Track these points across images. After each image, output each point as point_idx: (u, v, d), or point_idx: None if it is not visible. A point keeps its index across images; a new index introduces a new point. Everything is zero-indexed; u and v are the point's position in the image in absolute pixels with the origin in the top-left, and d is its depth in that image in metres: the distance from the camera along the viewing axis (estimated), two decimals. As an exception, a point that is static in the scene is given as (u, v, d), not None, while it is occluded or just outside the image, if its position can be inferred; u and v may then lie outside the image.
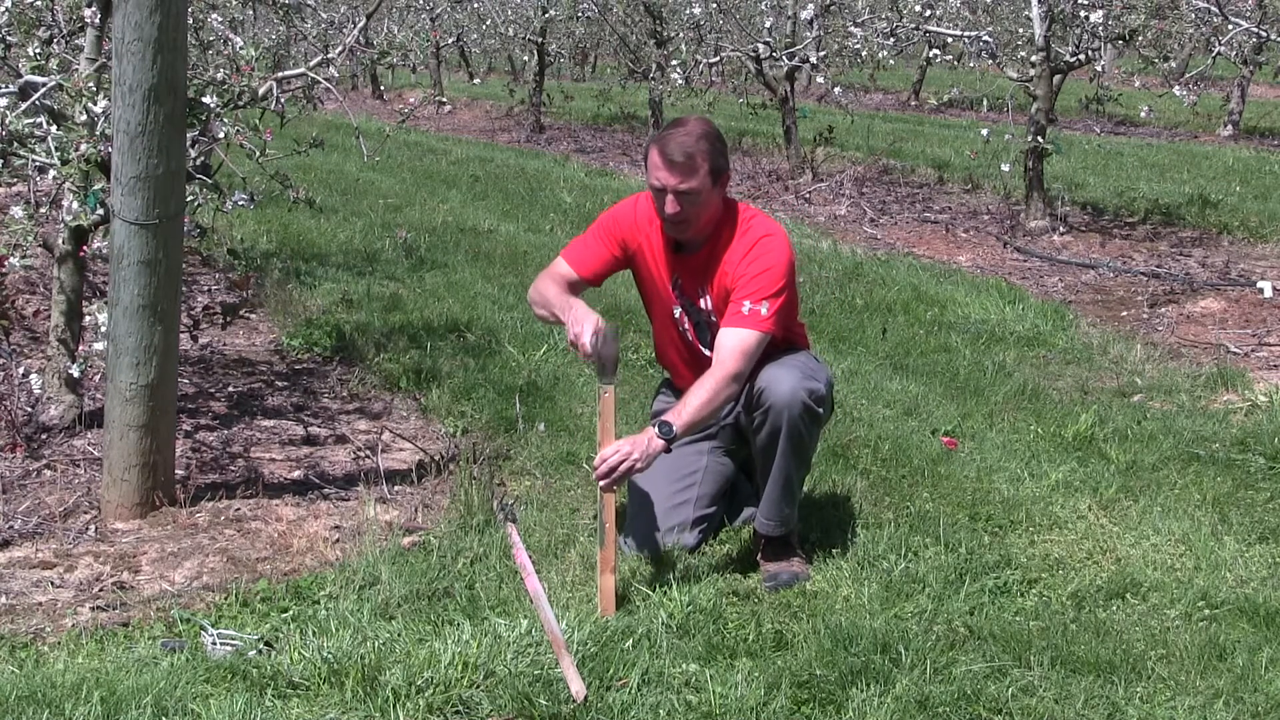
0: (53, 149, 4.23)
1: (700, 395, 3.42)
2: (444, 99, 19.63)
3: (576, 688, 2.82)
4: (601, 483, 3.32)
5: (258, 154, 4.63)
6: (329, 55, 4.94)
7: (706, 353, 3.66)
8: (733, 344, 3.46)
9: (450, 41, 22.76)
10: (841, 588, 3.44)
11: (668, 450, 3.41)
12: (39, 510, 3.95)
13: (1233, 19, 9.55)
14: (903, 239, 9.22)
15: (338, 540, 3.83)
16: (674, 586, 3.36)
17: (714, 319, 3.61)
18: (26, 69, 4.38)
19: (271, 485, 4.26)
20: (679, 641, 3.11)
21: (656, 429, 3.37)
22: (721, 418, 3.73)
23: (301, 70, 4.86)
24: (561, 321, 3.57)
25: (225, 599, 3.40)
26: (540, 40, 17.10)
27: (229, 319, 5.31)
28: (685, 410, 3.41)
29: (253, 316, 6.48)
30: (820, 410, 3.53)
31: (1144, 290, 7.49)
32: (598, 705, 2.81)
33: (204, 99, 4.26)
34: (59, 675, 2.91)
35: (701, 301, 3.63)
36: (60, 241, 4.55)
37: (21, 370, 4.64)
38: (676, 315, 3.73)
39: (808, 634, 3.15)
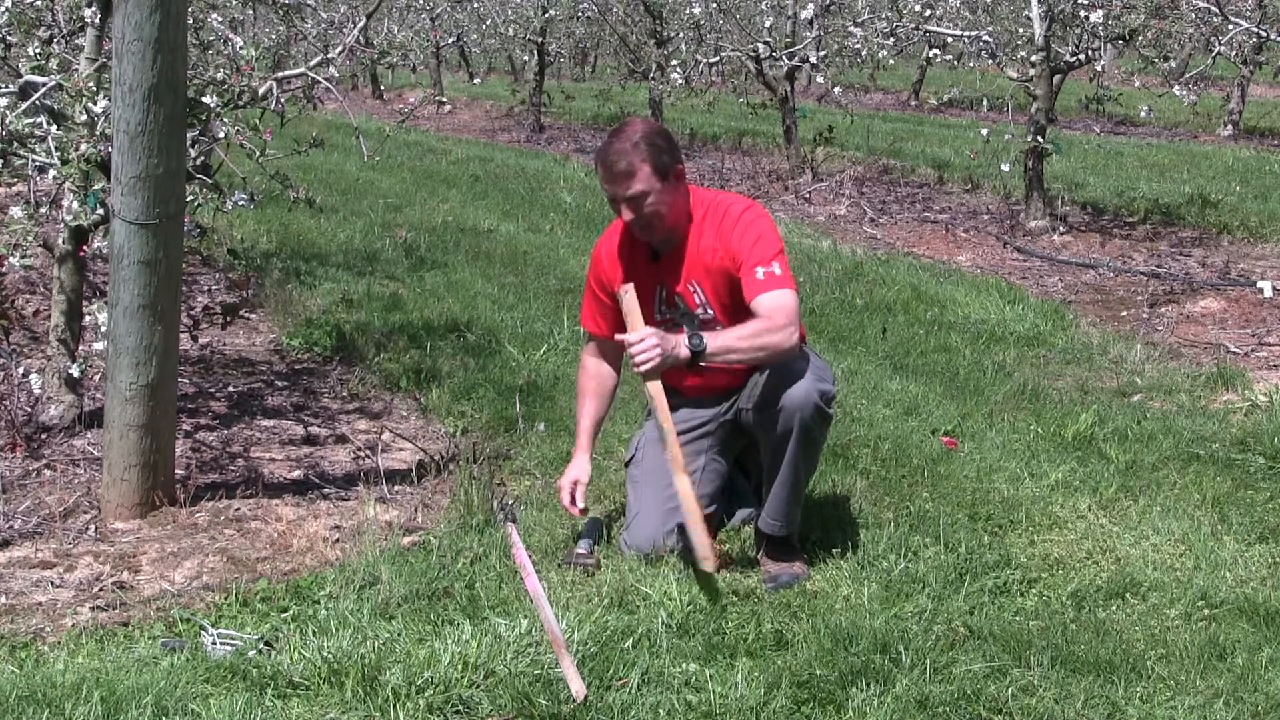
0: (53, 149, 4.23)
1: (745, 332, 3.38)
2: (444, 99, 19.62)
3: (576, 687, 2.82)
4: (637, 358, 3.31)
5: (258, 154, 4.63)
6: (329, 55, 4.94)
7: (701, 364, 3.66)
8: (774, 302, 3.41)
9: (450, 41, 22.77)
10: (841, 588, 3.44)
11: (692, 363, 3.37)
12: (39, 510, 3.95)
13: (1233, 19, 9.55)
14: (903, 239, 9.22)
15: (338, 540, 3.83)
16: (674, 586, 3.36)
17: (709, 313, 3.60)
18: (26, 69, 4.38)
19: (271, 485, 4.26)
20: (679, 641, 3.11)
21: (687, 339, 3.35)
22: (721, 413, 3.73)
23: (301, 70, 4.86)
24: None
25: (225, 599, 3.40)
26: (540, 40, 17.11)
27: (229, 319, 5.32)
28: (724, 336, 3.38)
29: (253, 316, 6.48)
30: (831, 412, 3.53)
31: (1144, 290, 7.49)
32: (598, 705, 2.81)
33: (204, 99, 4.26)
34: (59, 675, 2.91)
35: (694, 297, 3.61)
36: (60, 241, 4.55)
37: (21, 370, 4.64)
38: None
39: (808, 634, 3.15)
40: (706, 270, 3.56)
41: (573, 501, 3.75)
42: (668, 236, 3.58)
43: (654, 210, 3.48)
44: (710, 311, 3.59)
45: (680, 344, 3.35)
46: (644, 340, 3.32)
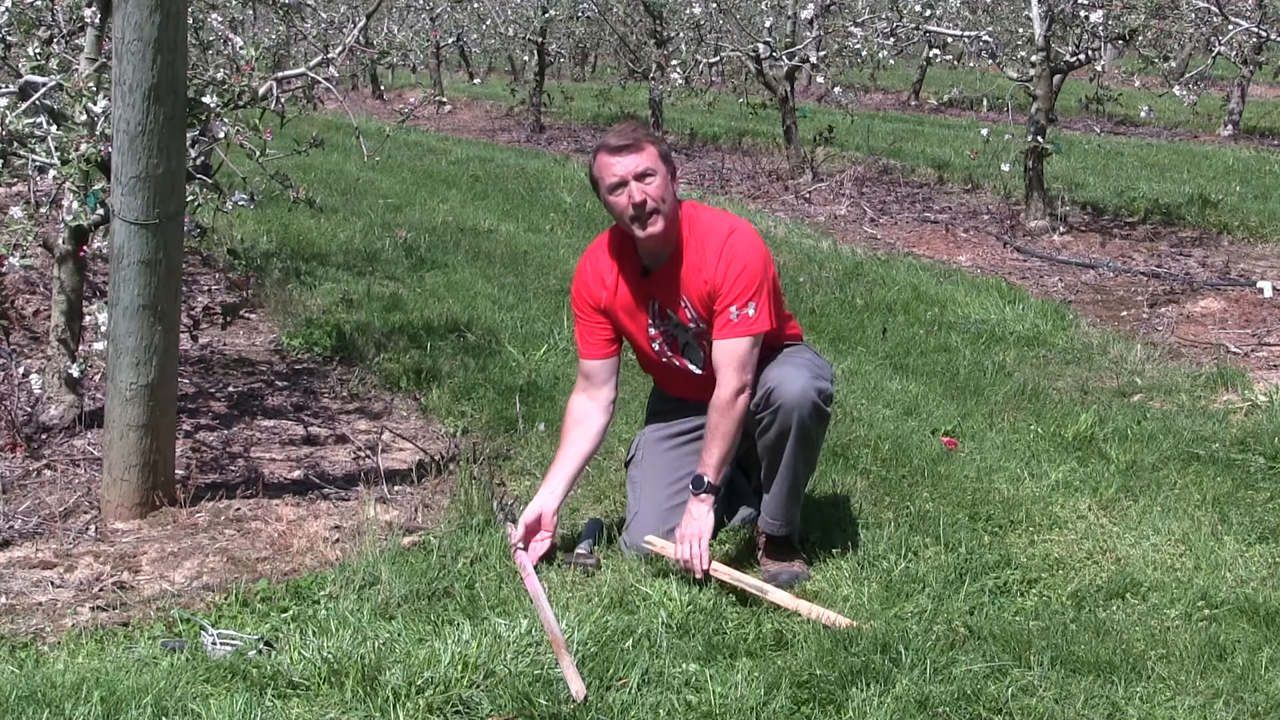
0: (53, 149, 4.23)
1: (718, 433, 3.47)
2: (444, 99, 19.61)
3: (576, 687, 2.82)
4: (705, 571, 3.40)
5: (258, 154, 4.63)
6: (329, 55, 4.94)
7: (696, 370, 3.67)
8: (727, 357, 3.47)
9: (450, 41, 22.77)
10: (841, 588, 3.44)
11: (719, 494, 3.50)
12: (39, 510, 3.95)
13: (1233, 19, 9.56)
14: (903, 239, 9.22)
15: (338, 540, 3.83)
16: (674, 586, 3.36)
17: (701, 326, 3.59)
18: (26, 69, 4.38)
19: (271, 485, 4.26)
20: (679, 641, 3.11)
21: (692, 488, 3.47)
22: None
23: (301, 70, 4.86)
24: None
25: (225, 599, 3.40)
26: (540, 40, 17.11)
27: (229, 319, 5.31)
28: (711, 457, 3.48)
29: (253, 316, 6.49)
30: (828, 410, 3.54)
31: (1144, 290, 7.49)
32: (598, 705, 2.81)
33: (204, 99, 4.26)
34: (59, 675, 2.91)
35: (685, 312, 3.59)
36: (60, 241, 4.55)
37: (21, 370, 4.64)
38: (656, 349, 3.71)
39: (808, 634, 3.15)
40: (694, 290, 3.55)
41: (525, 548, 3.60)
42: (660, 246, 3.54)
43: (659, 195, 3.45)
44: (702, 325, 3.58)
45: (704, 514, 3.45)
46: (684, 549, 3.40)
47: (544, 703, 2.79)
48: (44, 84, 4.28)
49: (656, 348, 3.70)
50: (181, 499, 4.03)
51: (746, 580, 3.36)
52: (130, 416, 3.88)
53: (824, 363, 3.69)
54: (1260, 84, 21.11)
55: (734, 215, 3.68)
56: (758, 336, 3.48)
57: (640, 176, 3.44)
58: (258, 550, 3.77)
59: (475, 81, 24.24)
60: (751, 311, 3.46)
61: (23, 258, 4.29)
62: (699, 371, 3.65)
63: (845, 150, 13.00)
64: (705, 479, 3.46)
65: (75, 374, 4.54)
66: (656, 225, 3.47)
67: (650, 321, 3.66)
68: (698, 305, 3.56)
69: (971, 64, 14.04)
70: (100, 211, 4.34)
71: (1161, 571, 3.56)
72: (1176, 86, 9.27)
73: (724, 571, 3.40)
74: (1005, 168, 9.60)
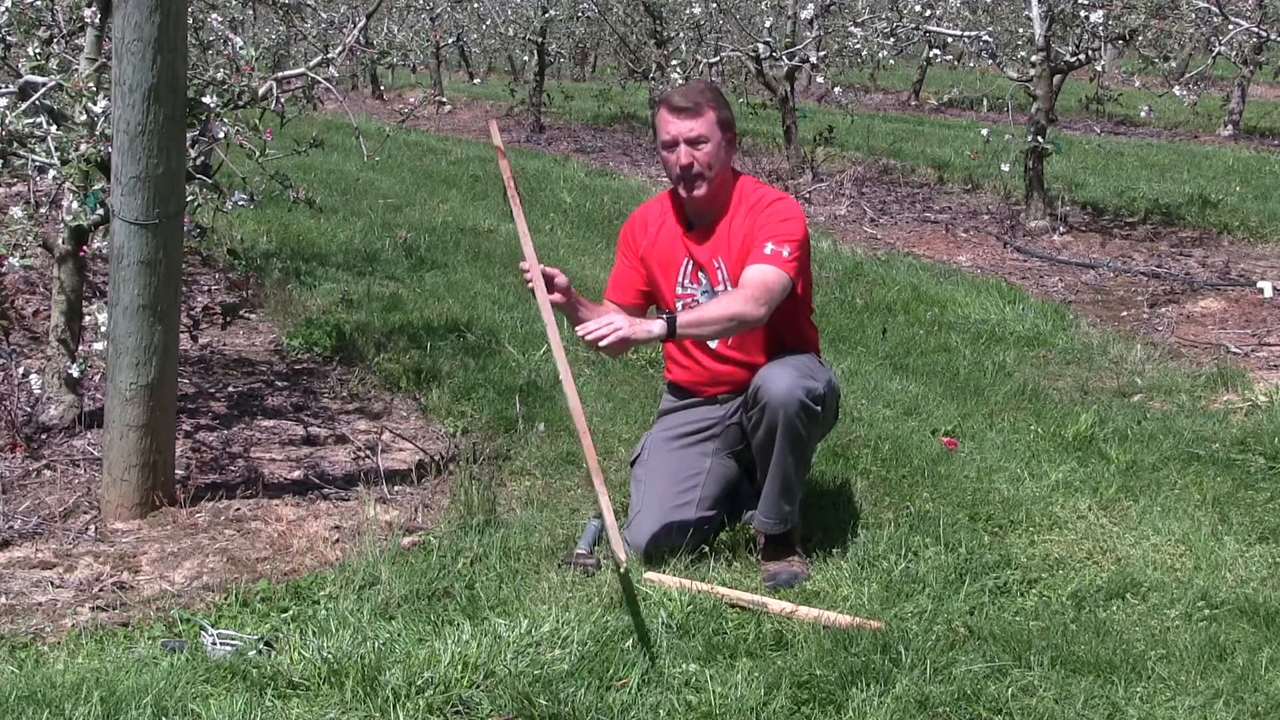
0: (53, 149, 4.23)
1: (716, 303, 3.46)
2: (444, 99, 19.60)
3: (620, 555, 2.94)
4: (588, 338, 3.36)
5: (258, 154, 4.63)
6: (329, 55, 4.94)
7: (708, 346, 3.69)
8: (754, 275, 3.48)
9: (450, 41, 22.76)
10: (841, 588, 3.44)
11: (669, 337, 3.39)
12: (39, 510, 3.95)
13: (1233, 19, 9.56)
14: (903, 239, 9.22)
15: (338, 540, 3.83)
16: (674, 586, 3.36)
17: (729, 290, 3.62)
18: (26, 69, 4.38)
19: (271, 485, 4.26)
20: (679, 641, 3.11)
21: (662, 314, 3.45)
22: (728, 415, 3.73)
23: (301, 70, 4.86)
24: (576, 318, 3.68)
25: (225, 599, 3.40)
26: (540, 40, 17.11)
27: (229, 319, 5.31)
28: (694, 311, 3.45)
29: (253, 316, 6.48)
30: (818, 409, 3.51)
31: (1144, 290, 7.49)
32: (598, 705, 2.81)
33: (204, 99, 4.26)
34: (59, 675, 2.91)
35: (718, 273, 3.64)
36: (60, 241, 4.55)
37: (21, 370, 4.64)
38: (680, 309, 3.72)
39: (808, 634, 3.15)
40: (733, 249, 3.61)
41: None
42: (706, 207, 3.63)
43: (707, 161, 3.54)
44: (729, 289, 3.61)
45: (644, 325, 3.37)
46: (611, 323, 3.34)
47: (544, 703, 2.79)
48: (44, 84, 4.28)
49: (680, 308, 3.72)
50: (181, 499, 4.03)
51: (745, 598, 3.36)
52: (130, 416, 3.88)
53: (821, 367, 3.68)
54: (1260, 84, 21.11)
55: (787, 194, 3.77)
56: (786, 279, 3.49)
57: (693, 142, 3.53)
58: (258, 550, 3.77)
59: (475, 81, 24.24)
60: (786, 253, 3.49)
61: (23, 258, 4.29)
62: (710, 346, 3.68)
63: (845, 150, 13.00)
64: (674, 315, 3.41)
65: (75, 374, 4.54)
66: (700, 189, 3.57)
67: (680, 281, 3.71)
68: (732, 266, 3.61)
69: (971, 64, 14.05)
70: (100, 211, 4.34)
71: (1161, 571, 3.56)
72: (1176, 86, 9.27)
73: (723, 591, 3.40)
74: (1005, 168, 9.60)
